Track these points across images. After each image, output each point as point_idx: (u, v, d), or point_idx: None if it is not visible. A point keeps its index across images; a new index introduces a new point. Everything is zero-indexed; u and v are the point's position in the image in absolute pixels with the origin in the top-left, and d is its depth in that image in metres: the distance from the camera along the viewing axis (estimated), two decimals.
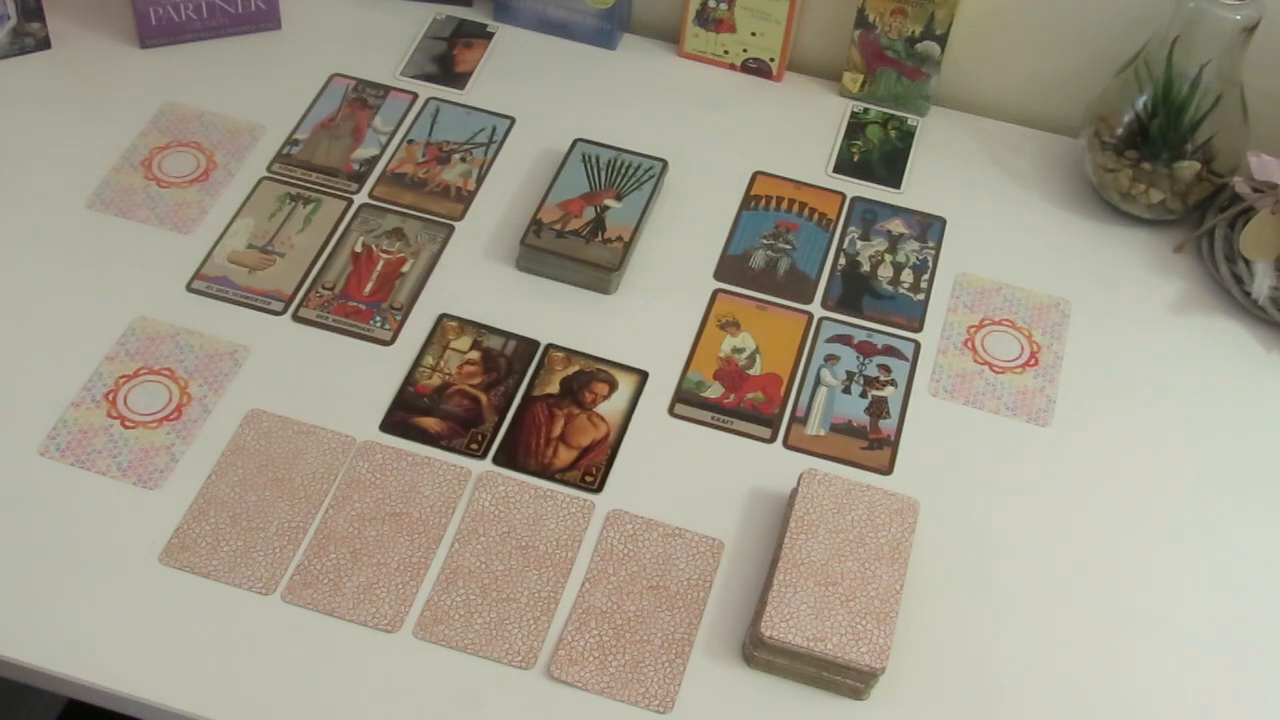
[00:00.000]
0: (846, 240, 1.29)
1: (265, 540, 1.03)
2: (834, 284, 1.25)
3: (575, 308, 1.21)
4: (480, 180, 1.31)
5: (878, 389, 1.17)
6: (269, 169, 1.29)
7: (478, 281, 1.22)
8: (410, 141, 1.33)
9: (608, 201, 1.26)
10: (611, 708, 0.96)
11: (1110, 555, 1.08)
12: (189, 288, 1.19)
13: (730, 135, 1.37)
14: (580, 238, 1.22)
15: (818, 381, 1.17)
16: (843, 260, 1.27)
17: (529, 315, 1.20)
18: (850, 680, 0.97)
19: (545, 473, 1.09)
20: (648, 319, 1.21)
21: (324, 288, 1.20)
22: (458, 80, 1.40)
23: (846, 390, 1.17)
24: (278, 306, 1.18)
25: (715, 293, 1.23)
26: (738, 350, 1.19)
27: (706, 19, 1.41)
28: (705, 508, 1.08)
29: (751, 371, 1.17)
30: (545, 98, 1.39)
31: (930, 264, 1.27)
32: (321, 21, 1.44)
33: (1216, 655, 1.03)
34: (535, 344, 1.18)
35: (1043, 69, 1.39)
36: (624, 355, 1.18)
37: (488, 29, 1.45)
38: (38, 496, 1.04)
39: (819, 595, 0.97)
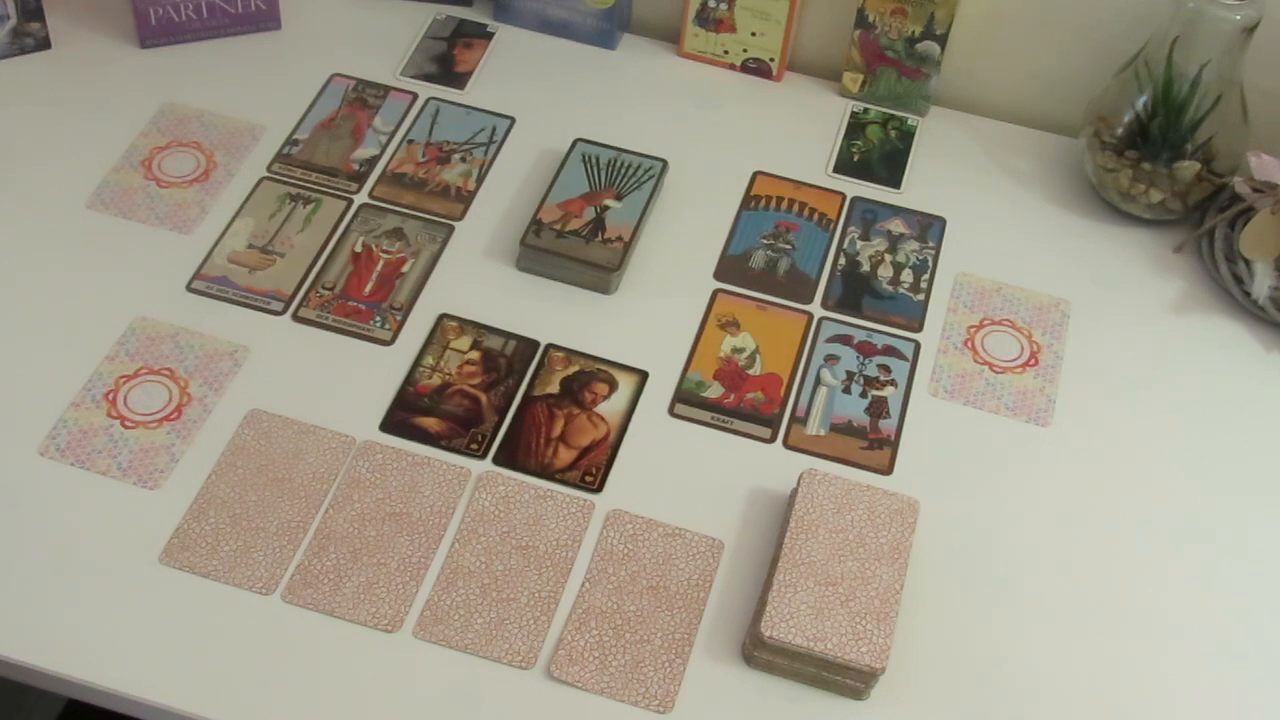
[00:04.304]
0: (846, 240, 1.29)
1: (265, 540, 1.03)
2: (834, 284, 1.25)
3: (575, 308, 1.21)
4: (480, 180, 1.31)
5: (878, 389, 1.17)
6: (269, 169, 1.29)
7: (478, 281, 1.22)
8: (410, 141, 1.33)
9: (608, 201, 1.26)
10: (611, 708, 0.96)
11: (1110, 554, 1.08)
12: (189, 288, 1.19)
13: (730, 135, 1.37)
14: (580, 238, 1.22)
15: (818, 381, 1.17)
16: (843, 260, 1.27)
17: (529, 315, 1.20)
18: (850, 680, 0.97)
19: (545, 473, 1.09)
20: (648, 319, 1.21)
21: (324, 288, 1.20)
22: (458, 80, 1.40)
23: (846, 390, 1.17)
24: (278, 306, 1.18)
25: (715, 293, 1.23)
26: (738, 350, 1.19)
27: (706, 19, 1.41)
28: (705, 508, 1.08)
29: (751, 371, 1.17)
30: (545, 98, 1.39)
31: (930, 264, 1.27)
32: (321, 21, 1.44)
33: (1216, 653, 1.03)
34: (535, 344, 1.18)
35: (1043, 69, 1.39)
36: (624, 355, 1.18)
37: (488, 29, 1.45)
38: (38, 496, 1.04)
39: (819, 595, 0.97)
